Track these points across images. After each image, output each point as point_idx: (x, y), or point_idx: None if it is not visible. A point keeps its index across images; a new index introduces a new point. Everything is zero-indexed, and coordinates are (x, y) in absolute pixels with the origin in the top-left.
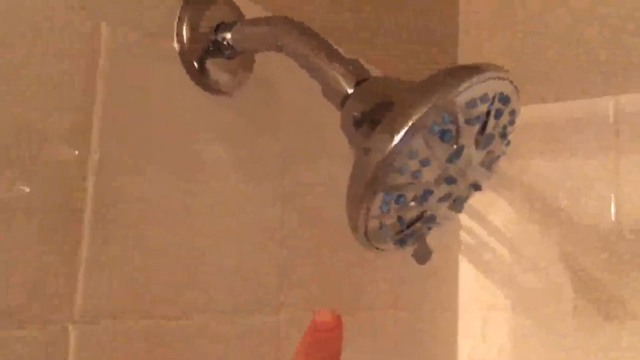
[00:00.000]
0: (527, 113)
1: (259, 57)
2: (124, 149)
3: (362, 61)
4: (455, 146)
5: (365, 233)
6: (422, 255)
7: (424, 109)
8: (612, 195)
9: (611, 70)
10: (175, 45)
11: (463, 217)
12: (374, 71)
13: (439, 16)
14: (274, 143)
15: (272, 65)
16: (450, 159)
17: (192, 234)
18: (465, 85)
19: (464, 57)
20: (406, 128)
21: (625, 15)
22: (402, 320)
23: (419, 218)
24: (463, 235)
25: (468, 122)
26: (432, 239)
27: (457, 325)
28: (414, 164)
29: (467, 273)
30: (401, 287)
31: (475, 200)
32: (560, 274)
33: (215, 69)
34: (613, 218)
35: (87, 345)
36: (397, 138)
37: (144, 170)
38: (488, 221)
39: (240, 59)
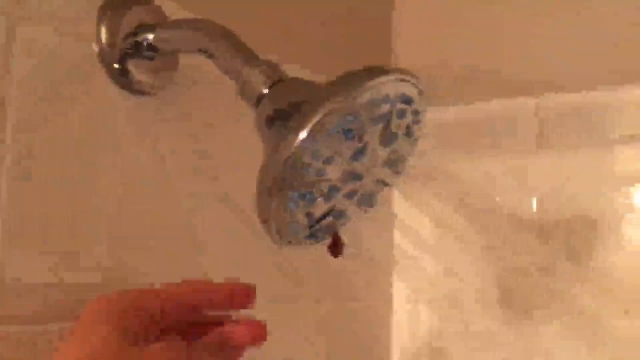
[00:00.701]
0: (452, 113)
1: (183, 58)
2: (43, 152)
3: (293, 64)
4: (359, 144)
5: (276, 229)
6: (336, 249)
7: (327, 109)
8: (534, 192)
9: (534, 71)
10: (95, 47)
11: (398, 212)
12: (305, 73)
13: (372, 20)
14: (198, 144)
15: (197, 65)
16: (355, 157)
17: (111, 238)
18: (367, 86)
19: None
20: (309, 128)
21: (548, 16)
22: (336, 312)
23: (328, 213)
24: (397, 229)
25: (371, 121)
26: (367, 232)
27: (391, 318)
28: (318, 162)
29: (401, 267)
30: (336, 279)
31: (405, 196)
32: (485, 270)
33: (137, 70)
34: (535, 214)
35: None
36: (301, 137)
37: (62, 173)
38: (418, 218)
39: (163, 59)
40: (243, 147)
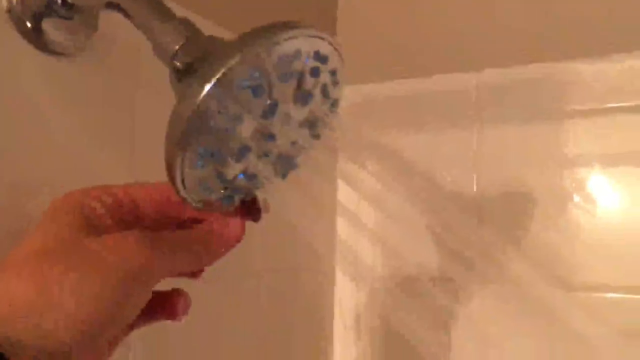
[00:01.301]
0: (392, 88)
1: (104, 17)
2: None
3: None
4: (269, 102)
5: (184, 188)
6: (255, 214)
7: (232, 62)
8: (476, 170)
9: (474, 46)
10: (3, 2)
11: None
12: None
13: None
14: (125, 108)
15: (119, 25)
16: (266, 115)
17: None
18: (274, 39)
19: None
20: (214, 81)
21: None
22: (277, 284)
23: (243, 174)
24: (340, 201)
25: (281, 78)
26: (309, 206)
27: (333, 303)
28: (226, 118)
29: (344, 238)
30: (276, 251)
31: (346, 178)
32: (427, 251)
33: (53, 29)
34: (477, 193)
35: None
36: (206, 89)
37: None
38: (359, 201)
39: (82, 18)
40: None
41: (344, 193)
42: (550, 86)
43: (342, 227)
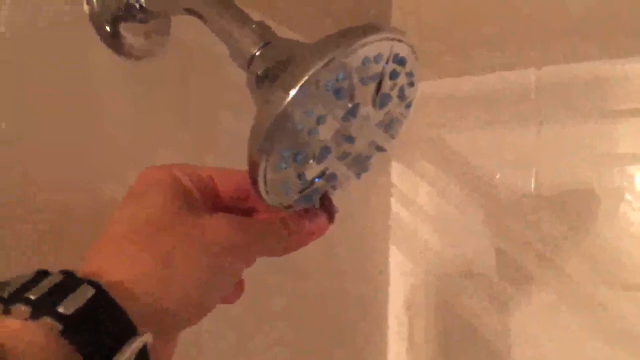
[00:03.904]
0: (450, 85)
1: (177, 21)
2: (33, 116)
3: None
4: (350, 104)
5: (266, 189)
6: (328, 215)
7: (317, 66)
8: (533, 166)
9: (533, 42)
10: (86, 8)
11: (395, 180)
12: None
13: None
14: (190, 110)
15: (191, 28)
16: (347, 117)
17: (97, 206)
18: (358, 44)
19: None
20: (299, 85)
21: None
22: (331, 282)
23: (320, 176)
24: (395, 198)
25: (362, 80)
26: (364, 200)
27: (387, 287)
28: (309, 121)
29: (398, 235)
30: (332, 247)
31: (404, 165)
32: (482, 241)
33: (129, 33)
34: (533, 189)
35: None
36: (290, 95)
37: (49, 134)
38: (416, 187)
39: (156, 22)
40: (239, 112)
41: (399, 188)
42: (604, 84)
43: (397, 220)
